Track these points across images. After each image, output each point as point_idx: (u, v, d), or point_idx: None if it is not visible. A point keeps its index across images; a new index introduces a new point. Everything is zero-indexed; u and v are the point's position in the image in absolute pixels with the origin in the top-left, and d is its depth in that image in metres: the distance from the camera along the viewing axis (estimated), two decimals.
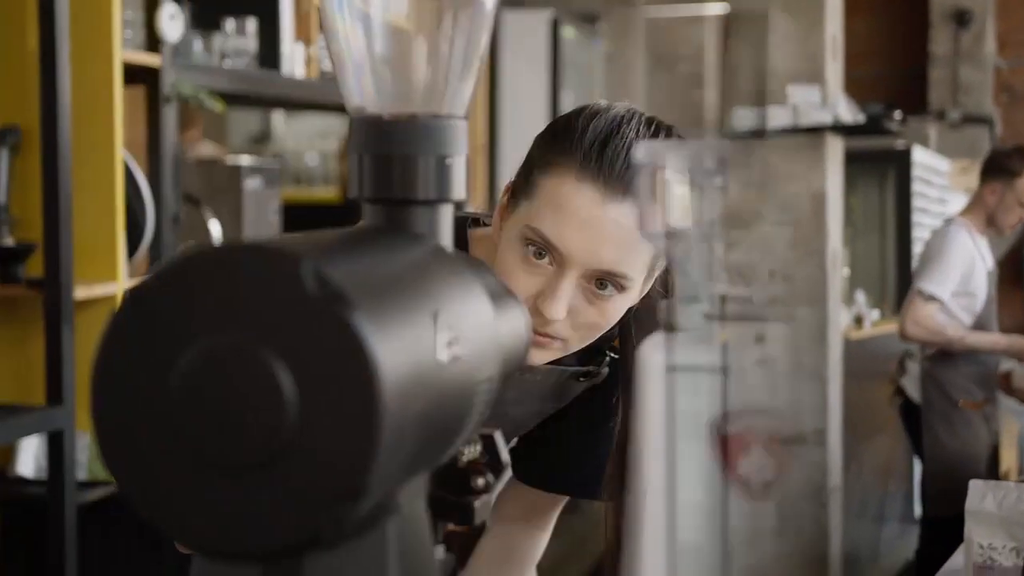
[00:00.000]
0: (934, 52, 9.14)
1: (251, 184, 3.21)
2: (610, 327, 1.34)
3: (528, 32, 5.37)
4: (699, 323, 0.76)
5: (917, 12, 9.18)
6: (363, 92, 0.84)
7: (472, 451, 0.91)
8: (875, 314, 6.18)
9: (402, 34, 0.83)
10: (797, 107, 5.28)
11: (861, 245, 6.69)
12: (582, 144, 1.29)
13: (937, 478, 4.34)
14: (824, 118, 5.25)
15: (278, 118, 6.07)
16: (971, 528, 2.01)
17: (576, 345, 1.34)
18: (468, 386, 0.75)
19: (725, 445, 0.71)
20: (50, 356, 2.39)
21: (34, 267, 2.48)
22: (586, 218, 1.27)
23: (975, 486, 2.04)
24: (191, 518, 0.64)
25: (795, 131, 5.24)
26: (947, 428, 4.35)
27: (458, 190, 0.83)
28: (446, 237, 0.83)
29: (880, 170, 6.89)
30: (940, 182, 7.60)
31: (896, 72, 7.64)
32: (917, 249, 7.08)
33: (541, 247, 1.29)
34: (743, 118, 5.32)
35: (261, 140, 6.10)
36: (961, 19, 9.11)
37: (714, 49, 6.19)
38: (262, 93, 3.27)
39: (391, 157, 0.81)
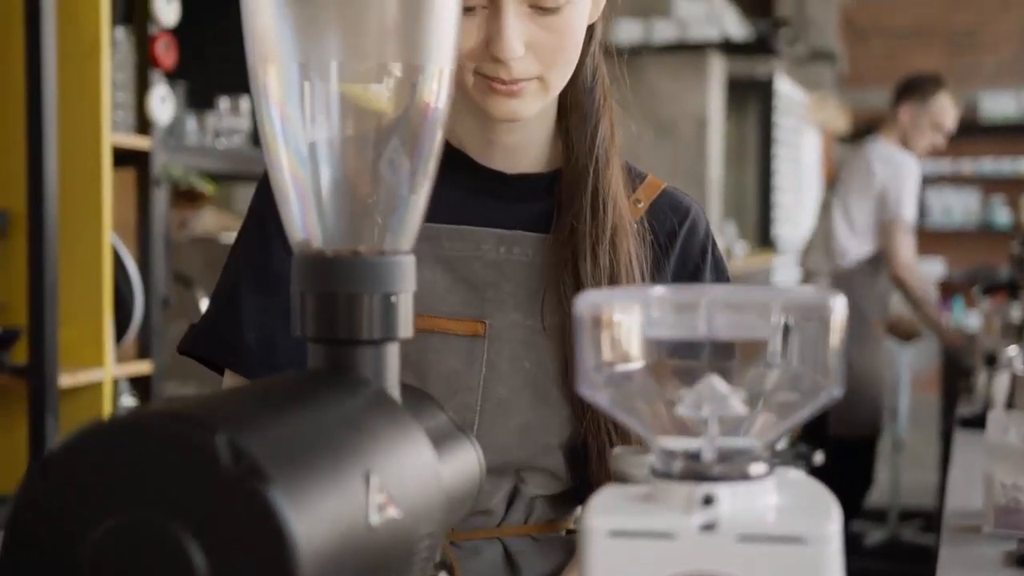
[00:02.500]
0: None
1: None
2: (578, 45, 1.21)
3: None
4: (647, 476, 0.72)
5: None
6: (307, 227, 0.81)
7: None
8: (741, 246, 6.19)
9: (347, 167, 0.81)
10: (683, 20, 5.18)
11: (723, 174, 6.61)
12: None
13: (844, 398, 4.28)
14: (710, 33, 5.15)
15: None
16: (992, 465, 1.79)
17: (556, 81, 1.20)
18: (406, 546, 0.71)
19: None
20: (34, 446, 2.36)
21: (19, 354, 2.45)
22: None
23: (995, 417, 1.83)
24: None
25: (680, 48, 5.16)
26: (857, 347, 4.31)
27: (405, 328, 0.80)
28: (392, 376, 0.80)
29: (740, 98, 6.84)
30: (798, 114, 7.66)
31: (743, 3, 7.59)
32: (777, 181, 7.09)
33: None
34: (625, 30, 5.21)
35: None
36: None
37: None
38: (255, 172, 3.26)
39: (335, 295, 0.78)
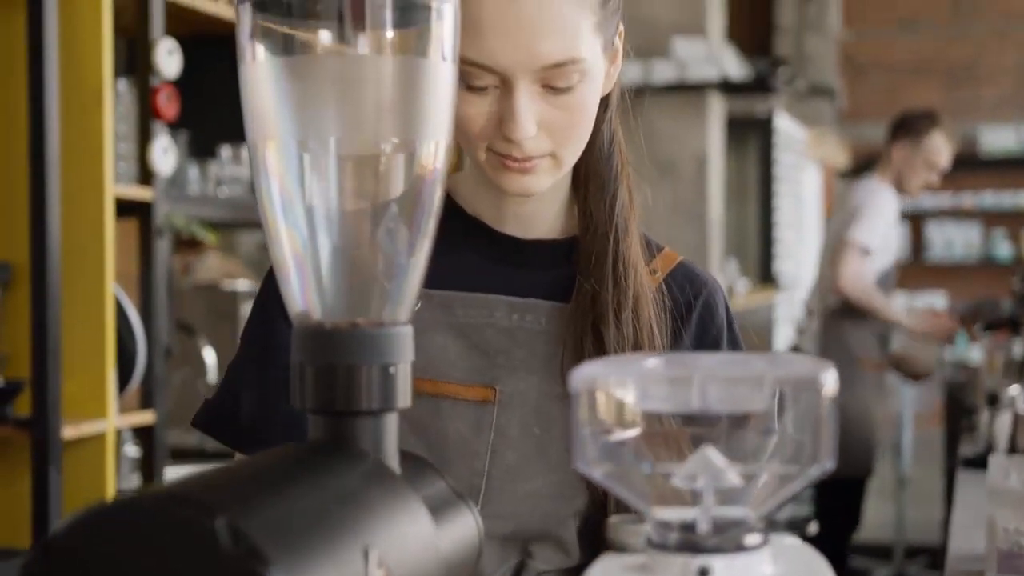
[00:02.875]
0: (779, 21, 9.26)
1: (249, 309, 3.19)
2: (591, 120, 1.19)
3: None
4: (643, 545, 0.73)
5: None
6: (306, 299, 0.82)
7: None
8: (743, 283, 6.22)
9: (345, 240, 0.82)
10: (682, 60, 5.22)
11: (724, 212, 6.58)
12: None
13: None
14: (709, 73, 5.19)
15: None
16: (994, 510, 1.80)
17: (568, 157, 1.20)
18: None
19: None
20: (37, 499, 2.36)
21: (22, 406, 2.46)
22: (497, 21, 1.11)
23: (996, 461, 1.83)
24: None
25: (679, 88, 5.22)
26: (847, 388, 4.24)
27: (403, 398, 0.81)
28: (390, 446, 0.81)
29: (740, 135, 6.86)
30: (798, 150, 7.70)
31: (742, 41, 7.68)
32: (778, 218, 7.13)
33: (473, 75, 1.13)
34: (625, 71, 5.26)
35: None
36: None
37: None
38: (257, 220, 3.27)
39: (334, 367, 0.79)
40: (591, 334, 1.24)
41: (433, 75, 0.80)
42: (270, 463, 0.73)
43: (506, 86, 1.14)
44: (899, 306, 4.54)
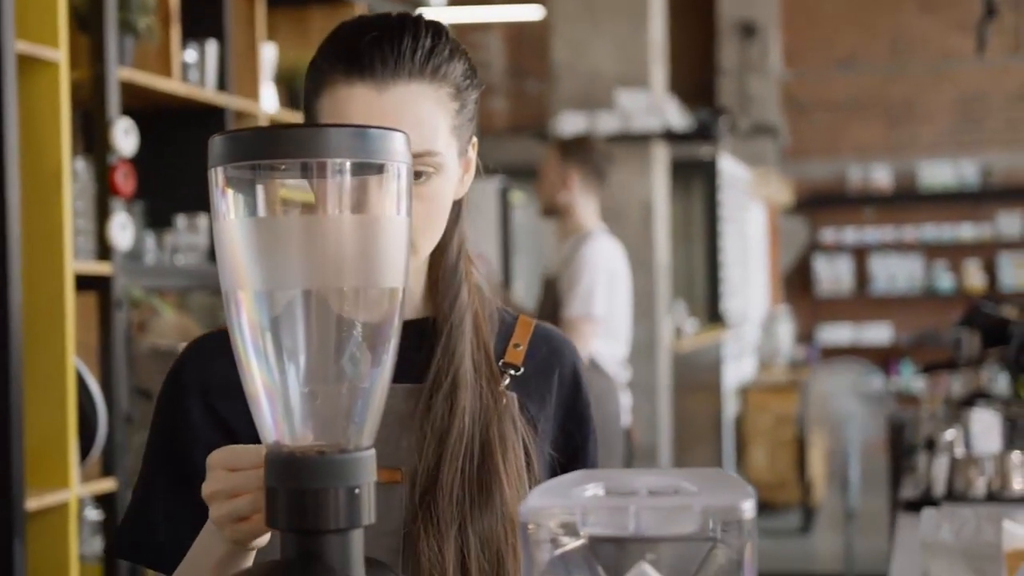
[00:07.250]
0: (721, 63, 9.44)
1: None
2: (445, 215, 1.27)
3: (477, 200, 5.49)
4: None
5: (703, 23, 9.55)
6: (277, 429, 0.90)
7: None
8: (692, 324, 6.35)
9: (312, 377, 0.90)
10: (626, 111, 5.32)
11: (671, 255, 6.60)
12: (341, 50, 1.24)
13: None
14: (652, 124, 5.28)
15: None
16: (928, 561, 1.88)
17: (424, 244, 1.26)
18: None
19: None
20: (1, 570, 2.40)
21: None
22: (364, 114, 1.21)
23: (929, 515, 1.92)
24: None
25: (624, 138, 5.32)
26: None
27: (368, 515, 0.90)
28: (356, 559, 0.89)
29: (685, 178, 7.00)
30: (742, 189, 7.89)
31: (685, 83, 7.85)
32: (724, 257, 7.31)
33: None
34: (570, 122, 5.29)
35: None
36: (747, 31, 9.33)
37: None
38: (213, 286, 3.34)
39: (303, 491, 0.88)
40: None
41: (388, 229, 0.89)
42: None
43: None
44: None
